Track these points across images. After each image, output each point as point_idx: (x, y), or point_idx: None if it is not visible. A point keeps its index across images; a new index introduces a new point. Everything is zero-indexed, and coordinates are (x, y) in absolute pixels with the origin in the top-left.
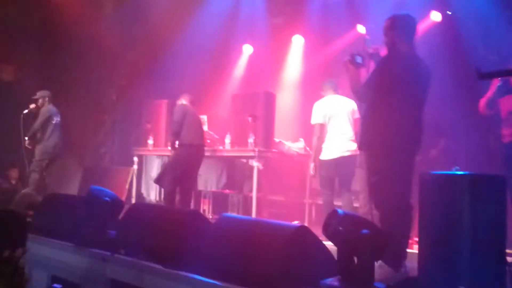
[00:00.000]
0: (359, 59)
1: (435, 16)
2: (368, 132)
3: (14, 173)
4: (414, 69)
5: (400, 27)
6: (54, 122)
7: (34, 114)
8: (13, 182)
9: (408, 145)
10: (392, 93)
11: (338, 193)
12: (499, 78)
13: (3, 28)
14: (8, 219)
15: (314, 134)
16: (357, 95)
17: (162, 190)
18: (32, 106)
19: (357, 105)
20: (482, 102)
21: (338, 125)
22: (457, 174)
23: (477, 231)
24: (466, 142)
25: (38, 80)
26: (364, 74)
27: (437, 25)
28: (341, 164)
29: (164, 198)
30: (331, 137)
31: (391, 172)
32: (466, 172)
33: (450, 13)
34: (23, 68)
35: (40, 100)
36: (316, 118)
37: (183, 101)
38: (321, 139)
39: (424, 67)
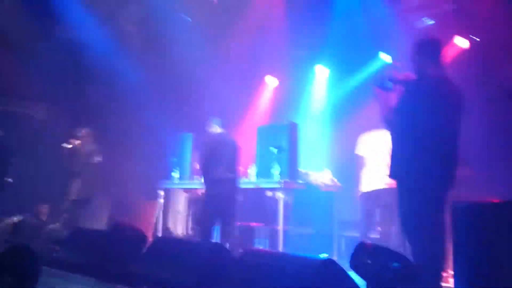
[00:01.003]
0: (388, 84)
1: (461, 42)
2: (398, 160)
3: (44, 209)
4: (442, 93)
5: (425, 51)
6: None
7: (73, 151)
8: (43, 218)
9: (440, 175)
10: (422, 119)
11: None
12: None
13: (36, 66)
14: (19, 254)
15: None
16: (386, 121)
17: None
18: (77, 142)
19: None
20: None
21: None
22: (495, 202)
23: None
24: (490, 171)
25: (70, 118)
26: (395, 100)
27: (465, 51)
28: None
29: (198, 236)
30: None
31: (423, 203)
32: (503, 200)
33: (478, 39)
34: (55, 106)
35: (84, 138)
36: None
37: (215, 127)
38: None
39: (454, 91)
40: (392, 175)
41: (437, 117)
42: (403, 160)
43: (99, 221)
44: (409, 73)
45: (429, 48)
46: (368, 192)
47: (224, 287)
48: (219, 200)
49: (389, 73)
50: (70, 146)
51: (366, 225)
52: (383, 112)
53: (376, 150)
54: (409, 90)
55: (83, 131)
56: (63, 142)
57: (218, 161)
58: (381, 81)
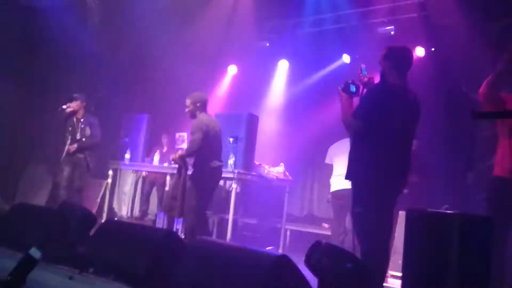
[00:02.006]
0: (353, 88)
1: (419, 52)
2: (354, 162)
3: None
4: (402, 102)
5: (392, 58)
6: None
7: (65, 115)
8: None
9: (393, 179)
10: (378, 124)
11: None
12: None
13: None
14: None
15: None
16: (346, 124)
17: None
18: (70, 108)
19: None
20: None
21: None
22: (449, 214)
23: (464, 271)
24: (443, 179)
25: (15, 86)
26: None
27: (422, 59)
28: None
29: (188, 232)
30: None
31: (374, 205)
32: (457, 212)
33: (433, 49)
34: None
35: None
36: None
37: (198, 107)
38: None
39: (413, 100)
40: (347, 176)
41: (393, 123)
42: (358, 163)
43: (39, 194)
44: (372, 77)
45: (396, 56)
46: (336, 191)
47: (173, 276)
48: (212, 189)
49: (353, 77)
50: (66, 107)
51: (337, 224)
52: (344, 115)
53: (344, 157)
54: (369, 95)
55: (78, 95)
56: (5, 108)
57: (215, 149)
58: (346, 84)
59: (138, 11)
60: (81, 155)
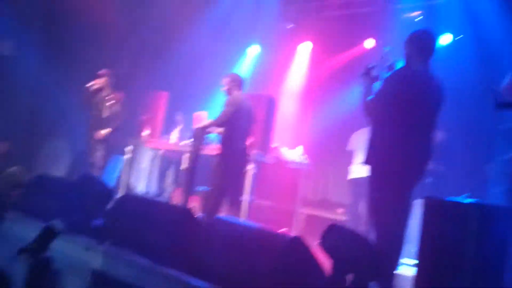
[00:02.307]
0: (374, 72)
1: (446, 39)
2: (374, 148)
3: (1, 147)
4: (423, 88)
5: (415, 43)
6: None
7: (91, 92)
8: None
9: (412, 166)
10: (399, 110)
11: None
12: None
13: (8, 1)
14: None
15: None
16: (365, 108)
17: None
18: (96, 85)
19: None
20: None
21: None
22: (468, 202)
23: (480, 261)
24: (461, 168)
25: (37, 57)
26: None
27: (447, 48)
28: None
29: (206, 209)
30: None
31: (391, 191)
32: (477, 201)
33: (461, 36)
34: (23, 44)
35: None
36: None
37: (234, 86)
38: None
39: (437, 87)
40: (366, 161)
41: (414, 109)
42: (378, 148)
43: (59, 167)
44: (394, 62)
45: (419, 41)
46: (355, 179)
47: (188, 253)
48: (239, 170)
49: (376, 62)
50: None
51: (353, 209)
52: (364, 100)
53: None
54: (390, 80)
55: (104, 71)
56: (28, 81)
57: (244, 130)
58: (367, 69)
59: None
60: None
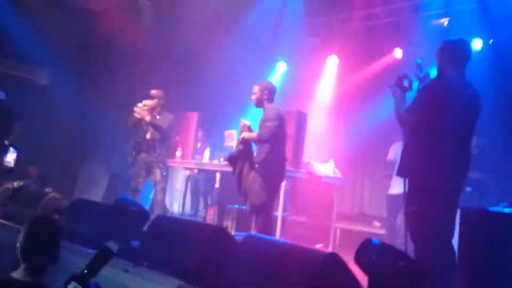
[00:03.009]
0: (406, 83)
1: (476, 44)
2: (410, 159)
3: (33, 171)
4: (460, 97)
5: (449, 51)
6: None
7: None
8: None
9: (451, 176)
10: (434, 120)
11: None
12: None
13: (44, 32)
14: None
15: None
16: (399, 119)
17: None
18: (148, 105)
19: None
20: None
21: None
22: (506, 212)
23: None
24: (504, 177)
25: (73, 85)
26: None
27: (477, 53)
28: None
29: (262, 230)
30: None
31: (433, 203)
32: None
33: (491, 41)
34: (59, 72)
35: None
36: None
37: (266, 96)
38: None
39: (473, 95)
40: (399, 173)
41: (452, 118)
42: (412, 159)
43: (96, 191)
44: (428, 73)
45: (453, 49)
46: (391, 195)
47: (223, 273)
48: (279, 185)
49: (408, 72)
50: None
51: (390, 222)
52: (397, 111)
53: None
54: (425, 89)
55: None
56: (65, 108)
57: (284, 143)
58: (399, 79)
59: (188, 10)
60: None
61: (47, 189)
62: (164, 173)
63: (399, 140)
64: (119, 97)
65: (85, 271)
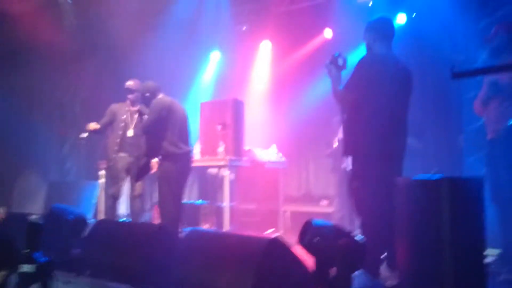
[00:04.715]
0: (340, 61)
1: (400, 19)
2: (350, 136)
3: None
4: (391, 70)
5: (375, 29)
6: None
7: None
8: None
9: (392, 149)
10: (370, 96)
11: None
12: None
13: None
14: None
15: None
16: (337, 98)
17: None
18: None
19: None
20: (477, 103)
21: None
22: (437, 179)
23: (457, 235)
24: (435, 144)
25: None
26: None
27: (402, 27)
28: None
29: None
30: None
31: (372, 177)
32: (445, 176)
33: (414, 14)
34: None
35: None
36: None
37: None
38: None
39: (403, 68)
40: (344, 151)
41: (385, 92)
42: (354, 136)
43: (34, 201)
44: (345, 59)
45: (378, 26)
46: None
47: (168, 270)
48: (186, 175)
49: (341, 50)
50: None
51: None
52: (334, 89)
53: None
54: (357, 67)
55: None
56: None
57: (178, 132)
58: (333, 58)
59: (113, 6)
60: None
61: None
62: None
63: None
64: (49, 104)
65: (27, 250)
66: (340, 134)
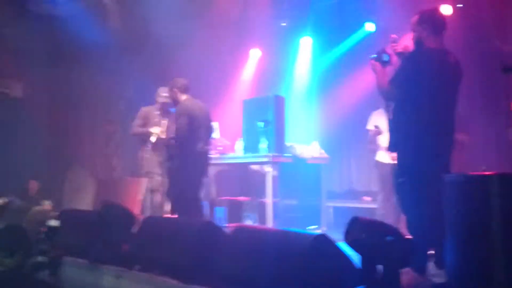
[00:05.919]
0: (385, 57)
1: (446, 10)
2: (396, 133)
3: (33, 186)
4: (441, 64)
5: (426, 22)
6: None
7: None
8: (32, 194)
9: (439, 145)
10: (419, 90)
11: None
12: None
13: (11, 45)
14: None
15: None
16: (384, 94)
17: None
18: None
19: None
20: None
21: None
22: (486, 175)
23: (508, 233)
24: (482, 138)
25: (47, 95)
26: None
27: (448, 19)
28: None
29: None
30: None
31: (419, 173)
32: (494, 172)
33: (461, 5)
34: (32, 83)
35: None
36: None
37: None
38: None
39: (454, 62)
40: (390, 148)
41: (435, 88)
42: (400, 132)
43: (85, 198)
44: (407, 45)
45: (430, 19)
46: (381, 163)
47: (215, 266)
48: (202, 174)
49: (386, 46)
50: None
51: (383, 196)
52: (380, 85)
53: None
54: (408, 62)
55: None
56: (45, 117)
57: (200, 132)
58: (378, 54)
59: (155, 6)
60: None
61: (47, 202)
62: None
63: (378, 108)
64: (95, 102)
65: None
66: (369, 125)
